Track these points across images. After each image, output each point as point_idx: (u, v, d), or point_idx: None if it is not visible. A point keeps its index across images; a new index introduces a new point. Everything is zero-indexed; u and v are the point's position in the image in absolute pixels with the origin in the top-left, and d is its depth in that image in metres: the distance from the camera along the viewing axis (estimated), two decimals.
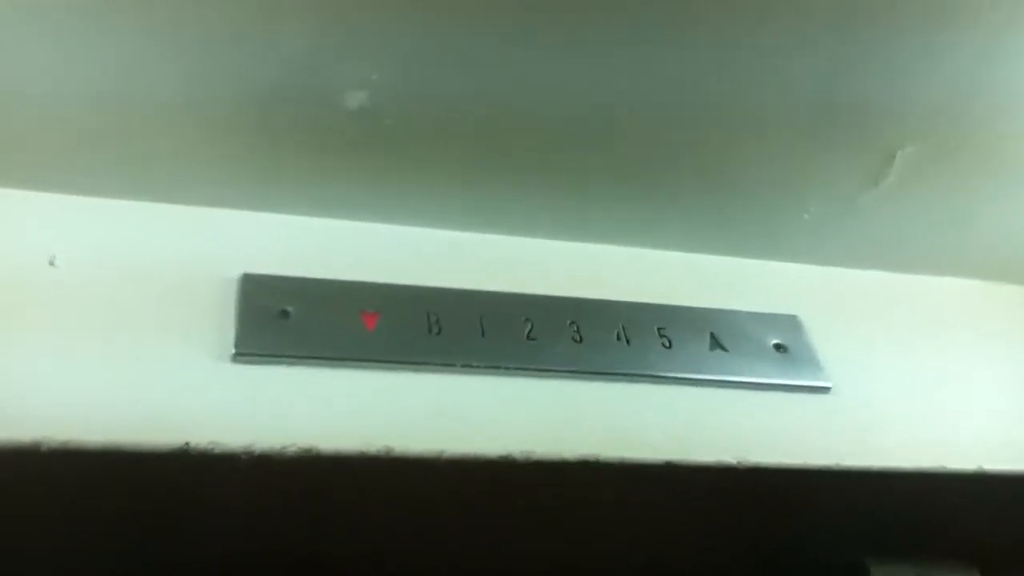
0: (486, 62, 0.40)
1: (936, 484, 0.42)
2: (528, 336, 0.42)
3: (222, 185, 0.43)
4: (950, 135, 0.46)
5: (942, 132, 0.45)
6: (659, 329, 0.44)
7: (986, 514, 0.45)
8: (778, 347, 0.45)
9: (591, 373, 0.41)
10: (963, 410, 0.45)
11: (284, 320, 0.39)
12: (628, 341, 0.43)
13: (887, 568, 0.45)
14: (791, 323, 0.46)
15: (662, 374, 0.42)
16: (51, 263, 0.38)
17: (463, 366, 0.40)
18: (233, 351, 0.37)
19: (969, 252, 0.52)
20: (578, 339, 0.42)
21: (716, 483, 0.40)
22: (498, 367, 0.40)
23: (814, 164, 0.46)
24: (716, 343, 0.44)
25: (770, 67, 0.42)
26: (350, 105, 0.40)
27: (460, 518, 0.41)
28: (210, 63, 0.38)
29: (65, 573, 0.39)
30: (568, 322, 0.43)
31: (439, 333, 0.40)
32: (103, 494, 0.36)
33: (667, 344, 0.43)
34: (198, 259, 0.40)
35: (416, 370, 0.39)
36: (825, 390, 0.44)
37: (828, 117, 0.44)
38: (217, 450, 0.34)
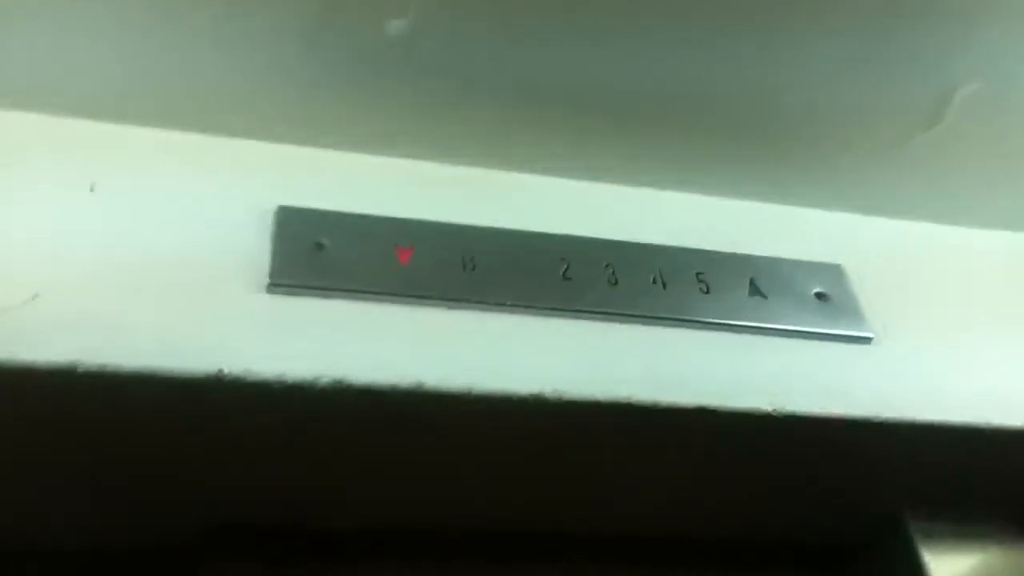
0: None
1: (979, 439, 0.41)
2: (563, 276, 0.41)
3: (261, 118, 0.42)
4: (1019, 71, 0.43)
5: (1010, 68, 0.43)
6: (697, 274, 0.43)
7: None
8: (820, 296, 0.44)
9: (626, 316, 0.41)
10: (1009, 366, 0.44)
11: (319, 252, 0.39)
12: (665, 285, 0.42)
13: (924, 523, 0.44)
14: (834, 272, 0.45)
15: (699, 319, 0.41)
16: (91, 190, 0.39)
17: (496, 304, 0.39)
18: (268, 282, 0.37)
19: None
20: (614, 281, 0.42)
21: (750, 430, 0.39)
22: (532, 307, 0.40)
23: (862, 105, 0.45)
24: (756, 289, 0.43)
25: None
26: (390, 34, 0.39)
27: (489, 456, 0.41)
28: None
29: (95, 499, 0.40)
30: (604, 264, 0.42)
31: (473, 270, 0.40)
32: (136, 420, 0.36)
33: (705, 289, 0.43)
34: (234, 190, 0.40)
35: (449, 306, 0.39)
36: (867, 340, 0.43)
37: (879, 52, 0.42)
38: (250, 378, 0.34)
